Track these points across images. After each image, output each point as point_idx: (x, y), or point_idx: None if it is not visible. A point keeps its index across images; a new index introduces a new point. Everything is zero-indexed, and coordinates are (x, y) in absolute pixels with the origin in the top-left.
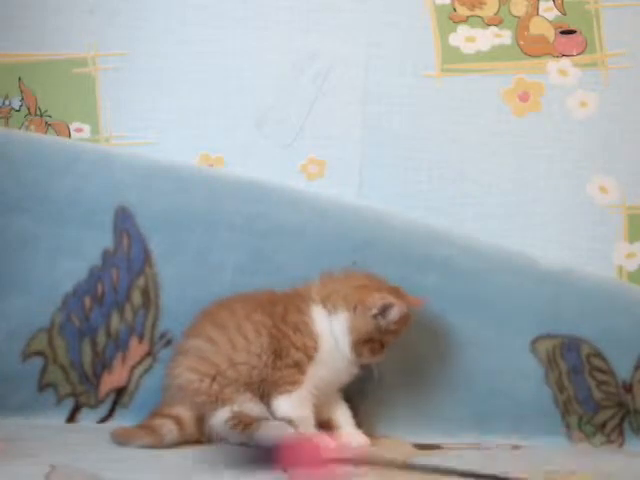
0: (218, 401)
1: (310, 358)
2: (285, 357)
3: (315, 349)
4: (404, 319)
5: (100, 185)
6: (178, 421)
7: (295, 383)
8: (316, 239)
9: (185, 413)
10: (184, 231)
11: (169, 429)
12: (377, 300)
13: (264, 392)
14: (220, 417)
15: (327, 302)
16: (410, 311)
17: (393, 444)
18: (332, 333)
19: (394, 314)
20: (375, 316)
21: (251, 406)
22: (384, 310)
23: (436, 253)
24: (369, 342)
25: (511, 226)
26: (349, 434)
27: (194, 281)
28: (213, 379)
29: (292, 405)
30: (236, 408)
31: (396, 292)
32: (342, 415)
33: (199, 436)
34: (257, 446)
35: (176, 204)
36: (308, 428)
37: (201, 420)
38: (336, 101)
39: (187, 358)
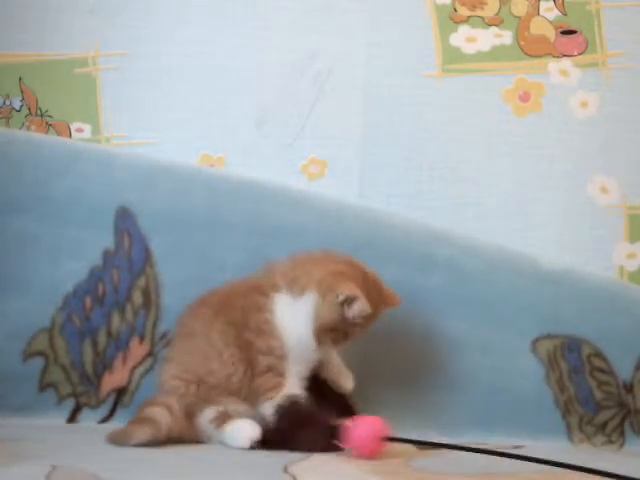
0: (205, 402)
1: (281, 358)
2: (256, 365)
3: (282, 347)
4: (368, 316)
5: (101, 185)
6: (168, 407)
7: (275, 387)
8: (316, 239)
9: (174, 404)
10: (185, 231)
11: (162, 414)
12: (345, 289)
13: (247, 398)
14: (206, 416)
15: (294, 285)
16: (375, 310)
17: (393, 444)
18: (295, 320)
19: (356, 309)
20: (342, 304)
21: (237, 407)
22: (349, 301)
23: (436, 253)
24: (333, 331)
25: (511, 226)
26: None
27: (195, 281)
28: (197, 385)
29: None
30: (222, 409)
31: (374, 284)
32: None
33: (188, 429)
34: (317, 425)
35: (177, 204)
36: None
37: (190, 416)
38: (337, 101)
39: (171, 366)
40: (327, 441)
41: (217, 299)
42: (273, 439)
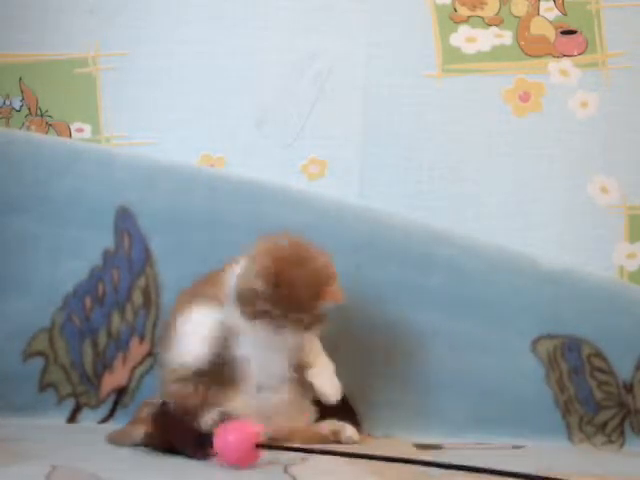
0: (206, 403)
1: None
2: None
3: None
4: (272, 293)
5: (101, 185)
6: None
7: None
8: (316, 239)
9: None
10: (185, 231)
11: None
12: (260, 260)
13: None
14: (208, 419)
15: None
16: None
17: (393, 444)
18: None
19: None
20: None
21: (235, 405)
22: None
23: (436, 253)
24: (250, 304)
25: (511, 226)
26: None
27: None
28: (195, 386)
29: None
30: (222, 409)
31: (313, 273)
32: None
33: None
34: (192, 432)
35: (177, 204)
36: None
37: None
38: (337, 101)
39: (164, 370)
40: (196, 447)
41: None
42: (149, 443)
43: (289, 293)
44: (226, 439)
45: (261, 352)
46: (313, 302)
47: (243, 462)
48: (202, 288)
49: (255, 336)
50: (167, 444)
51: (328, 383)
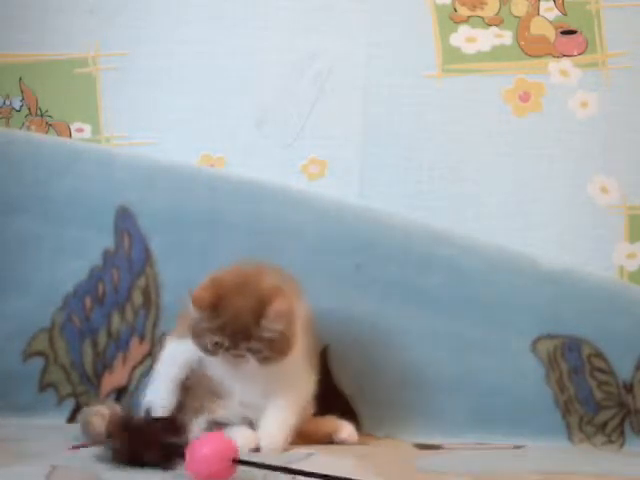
0: (196, 412)
1: None
2: None
3: None
4: (210, 315)
5: (101, 185)
6: None
7: None
8: (316, 239)
9: None
10: (185, 231)
11: None
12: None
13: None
14: (197, 427)
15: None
16: (220, 304)
17: (394, 444)
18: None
19: (196, 308)
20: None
21: (223, 413)
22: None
23: (436, 253)
24: (196, 336)
25: (511, 226)
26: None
27: (195, 281)
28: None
29: None
30: (210, 417)
31: (254, 287)
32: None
33: None
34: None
35: (177, 204)
36: None
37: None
38: (337, 101)
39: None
40: (164, 459)
41: None
42: (115, 456)
43: (229, 319)
44: (201, 451)
45: (234, 378)
46: (257, 324)
47: (216, 477)
48: (180, 320)
49: (223, 366)
50: (130, 454)
51: (269, 432)
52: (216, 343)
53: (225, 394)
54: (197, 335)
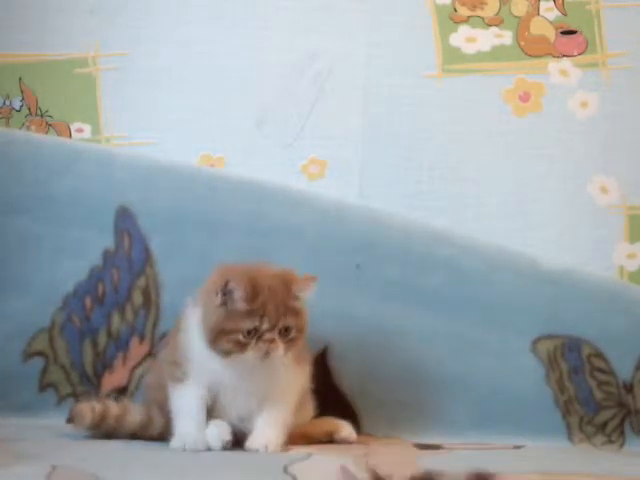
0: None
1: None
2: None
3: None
4: (251, 294)
5: (101, 185)
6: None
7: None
8: (316, 239)
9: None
10: (185, 231)
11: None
12: (217, 281)
13: None
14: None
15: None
16: (256, 283)
17: (395, 444)
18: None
19: (234, 288)
20: (223, 300)
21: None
22: (226, 290)
23: (436, 253)
24: (224, 333)
25: (511, 226)
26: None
27: (195, 281)
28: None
29: None
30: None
31: (272, 280)
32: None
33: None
34: None
35: (177, 204)
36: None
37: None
38: (337, 101)
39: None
40: None
41: None
42: None
43: (269, 295)
44: None
45: (239, 384)
46: (289, 293)
47: None
48: (168, 354)
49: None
50: None
51: (262, 433)
52: (250, 331)
53: (221, 410)
54: (226, 331)
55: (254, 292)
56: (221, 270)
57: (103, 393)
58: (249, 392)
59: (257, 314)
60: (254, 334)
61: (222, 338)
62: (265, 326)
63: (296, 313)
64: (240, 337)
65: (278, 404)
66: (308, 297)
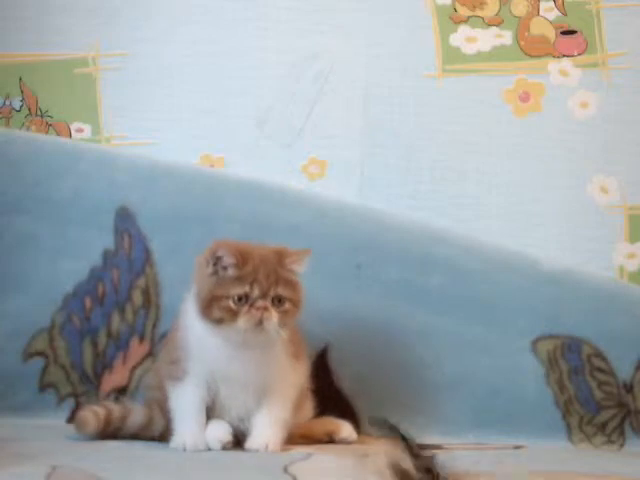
0: None
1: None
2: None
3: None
4: (240, 260)
5: (101, 185)
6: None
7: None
8: (316, 239)
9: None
10: (185, 231)
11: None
12: (208, 252)
13: None
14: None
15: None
16: (246, 251)
17: (394, 444)
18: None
19: (224, 255)
20: (214, 269)
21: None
22: (215, 258)
23: (436, 253)
24: (215, 300)
25: (511, 226)
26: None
27: None
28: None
29: None
30: None
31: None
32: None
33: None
34: None
35: (177, 204)
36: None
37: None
38: (337, 101)
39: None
40: None
41: None
42: None
43: (259, 262)
44: None
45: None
46: (282, 264)
47: None
48: (166, 354)
49: (221, 353)
50: None
51: (262, 433)
52: (241, 297)
53: (220, 409)
54: (217, 297)
55: (243, 259)
56: (213, 243)
57: (103, 393)
58: (248, 385)
59: (247, 280)
60: (245, 301)
61: (214, 305)
62: (256, 293)
63: (290, 285)
64: (231, 303)
65: (277, 401)
66: (301, 270)
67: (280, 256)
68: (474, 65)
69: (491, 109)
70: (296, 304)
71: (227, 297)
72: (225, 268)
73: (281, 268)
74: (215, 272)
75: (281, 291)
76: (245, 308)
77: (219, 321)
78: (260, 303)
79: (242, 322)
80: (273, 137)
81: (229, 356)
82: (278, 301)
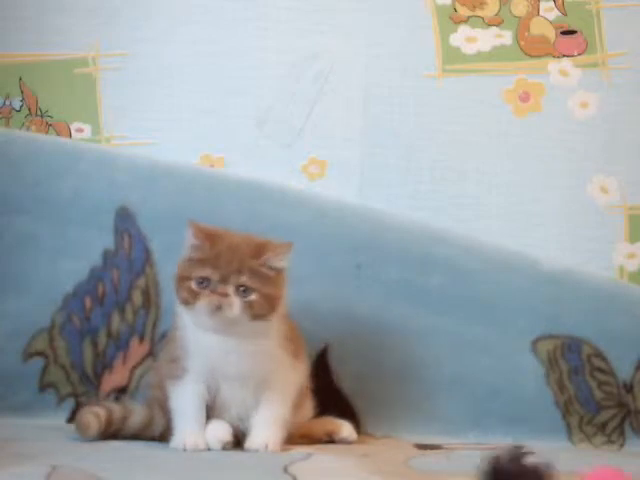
0: None
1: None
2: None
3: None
4: (206, 243)
5: (101, 185)
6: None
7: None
8: (316, 239)
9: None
10: (185, 231)
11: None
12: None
13: None
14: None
15: None
16: (215, 235)
17: (394, 444)
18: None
19: (193, 236)
20: (188, 253)
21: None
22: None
23: (436, 253)
24: (182, 280)
25: (511, 226)
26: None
27: None
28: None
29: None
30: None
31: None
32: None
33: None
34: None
35: (177, 204)
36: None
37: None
38: (337, 101)
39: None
40: None
41: None
42: None
43: (226, 249)
44: None
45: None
46: (256, 257)
47: None
48: (167, 352)
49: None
50: None
51: (261, 432)
52: (202, 280)
53: (220, 409)
54: (183, 277)
55: (210, 242)
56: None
57: (103, 393)
58: (247, 381)
59: (209, 264)
60: (207, 284)
61: (181, 285)
62: (216, 277)
63: (262, 278)
64: (193, 285)
65: (276, 401)
66: (280, 265)
67: (258, 248)
68: (474, 65)
69: (491, 109)
70: (267, 298)
71: (190, 278)
72: (192, 249)
73: (254, 260)
74: (187, 253)
75: (246, 281)
76: (206, 292)
77: (185, 302)
78: (220, 288)
79: (200, 305)
80: (273, 137)
81: (224, 350)
82: (243, 290)
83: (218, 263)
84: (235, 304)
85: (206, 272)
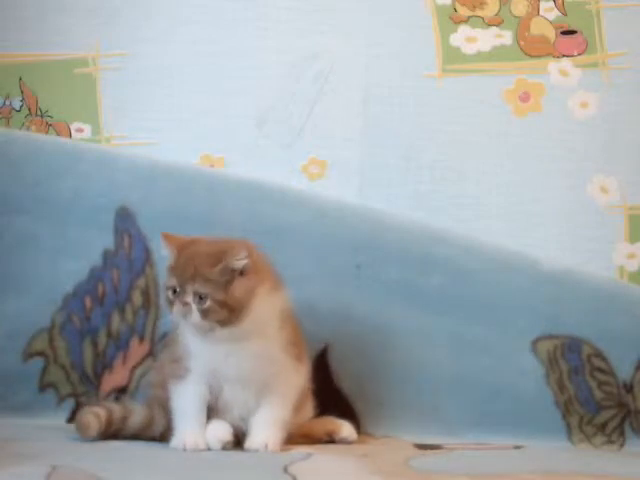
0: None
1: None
2: None
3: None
4: (174, 254)
5: (101, 185)
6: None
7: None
8: (316, 239)
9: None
10: (185, 231)
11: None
12: None
13: None
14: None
15: None
16: (182, 245)
17: (394, 444)
18: None
19: (166, 248)
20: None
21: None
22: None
23: (436, 253)
24: (164, 288)
25: (511, 226)
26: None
27: None
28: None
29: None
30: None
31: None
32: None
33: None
34: None
35: (177, 204)
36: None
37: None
38: (337, 101)
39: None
40: None
41: None
42: None
43: (184, 259)
44: None
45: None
46: (211, 265)
47: None
48: (169, 352)
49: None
50: None
51: (261, 432)
52: (171, 289)
53: (223, 410)
54: (164, 286)
55: (178, 251)
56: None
57: (103, 393)
58: (248, 382)
59: (174, 273)
60: (177, 293)
61: (164, 294)
62: (177, 288)
63: (215, 284)
64: (168, 293)
65: (277, 401)
66: (240, 266)
67: (217, 255)
68: (474, 65)
69: (491, 109)
70: (223, 305)
71: (165, 288)
72: (169, 259)
73: (208, 267)
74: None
75: (199, 288)
76: (177, 300)
77: (168, 308)
78: (182, 298)
79: (172, 313)
80: (273, 137)
81: (223, 353)
82: (200, 298)
83: (178, 272)
84: (194, 312)
85: (172, 282)
